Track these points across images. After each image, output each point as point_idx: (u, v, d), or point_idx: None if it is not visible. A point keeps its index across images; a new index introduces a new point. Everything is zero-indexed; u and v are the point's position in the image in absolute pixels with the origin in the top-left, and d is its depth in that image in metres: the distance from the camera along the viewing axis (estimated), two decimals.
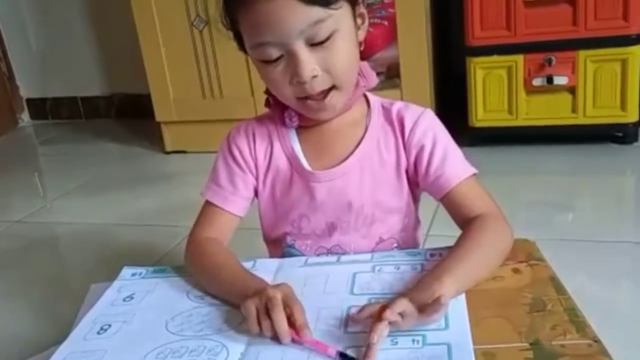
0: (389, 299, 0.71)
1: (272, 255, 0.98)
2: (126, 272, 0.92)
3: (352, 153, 0.89)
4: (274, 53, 0.79)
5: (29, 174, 2.59)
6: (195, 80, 2.32)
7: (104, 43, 3.01)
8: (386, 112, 0.91)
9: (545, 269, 0.80)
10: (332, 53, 0.80)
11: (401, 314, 0.66)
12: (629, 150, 1.97)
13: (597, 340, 0.65)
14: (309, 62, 0.79)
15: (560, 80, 1.92)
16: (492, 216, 0.84)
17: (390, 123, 0.90)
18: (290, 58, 0.79)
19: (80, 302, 0.89)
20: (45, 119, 3.25)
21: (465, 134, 2.05)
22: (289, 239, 0.94)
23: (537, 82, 1.94)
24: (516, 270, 0.80)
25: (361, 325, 0.69)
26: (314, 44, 0.79)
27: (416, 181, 0.91)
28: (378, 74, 2.02)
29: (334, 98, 0.83)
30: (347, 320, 0.72)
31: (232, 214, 0.92)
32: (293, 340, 0.68)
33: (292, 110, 0.89)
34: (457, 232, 0.85)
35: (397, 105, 0.92)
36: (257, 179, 0.93)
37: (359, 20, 0.85)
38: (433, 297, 0.68)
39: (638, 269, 1.36)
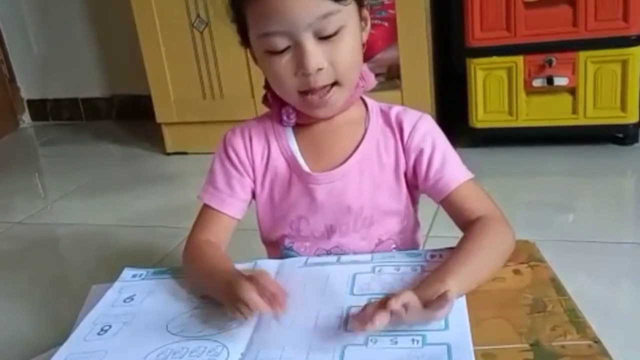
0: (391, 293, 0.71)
1: (270, 257, 0.98)
2: (127, 273, 0.92)
3: (351, 155, 0.89)
4: (281, 43, 0.79)
5: (29, 175, 2.59)
6: (196, 81, 2.33)
7: (105, 44, 3.01)
8: (384, 115, 0.92)
9: (545, 270, 0.80)
10: (339, 48, 0.80)
11: (405, 306, 0.66)
12: (629, 151, 1.97)
13: (597, 341, 0.65)
14: (316, 54, 0.79)
15: (560, 81, 1.92)
16: (494, 218, 0.84)
17: (389, 126, 0.90)
18: (297, 49, 0.79)
19: (80, 303, 0.89)
20: (46, 120, 3.26)
21: (466, 135, 2.06)
22: (287, 242, 0.93)
23: (538, 83, 1.94)
24: (517, 271, 0.80)
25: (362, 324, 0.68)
26: (322, 38, 0.79)
27: (415, 184, 0.91)
28: (378, 74, 2.05)
29: (335, 94, 0.83)
30: (347, 320, 0.72)
31: (230, 217, 0.92)
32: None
33: (290, 107, 0.88)
34: (458, 233, 0.85)
35: (396, 109, 0.92)
36: (254, 181, 0.93)
37: (362, 23, 0.85)
38: (438, 294, 0.68)
39: (638, 269, 1.36)
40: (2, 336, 1.35)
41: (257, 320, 0.75)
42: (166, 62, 2.33)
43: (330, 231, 0.91)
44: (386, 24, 2.06)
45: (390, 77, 2.10)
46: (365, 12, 0.86)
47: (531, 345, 0.65)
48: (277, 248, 0.96)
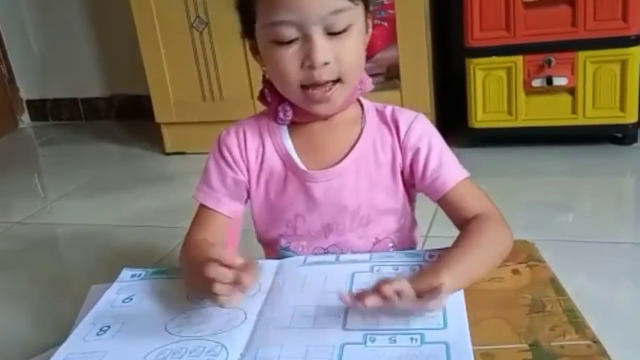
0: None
1: (268, 258, 0.98)
2: (126, 273, 0.92)
3: (348, 154, 0.90)
4: (290, 34, 0.80)
5: (29, 175, 2.59)
6: (196, 81, 2.33)
7: (104, 44, 3.01)
8: (380, 114, 0.92)
9: (544, 270, 0.81)
10: (346, 46, 0.81)
11: (398, 293, 0.67)
12: (629, 151, 1.97)
13: (596, 341, 0.65)
14: (324, 48, 0.80)
15: (560, 81, 1.92)
16: (492, 217, 0.85)
17: (386, 124, 0.91)
18: (305, 42, 0.80)
19: (80, 303, 0.89)
20: (46, 121, 3.25)
21: (465, 135, 2.06)
22: (284, 242, 0.93)
23: (537, 83, 1.94)
24: (516, 272, 0.80)
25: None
26: (331, 33, 0.80)
27: (412, 183, 0.91)
28: (378, 75, 2.06)
29: (337, 92, 0.84)
30: (346, 319, 0.72)
31: (226, 216, 0.92)
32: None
33: (287, 104, 0.88)
34: (457, 233, 0.85)
35: (390, 108, 0.93)
36: (249, 180, 0.93)
37: (365, 26, 0.86)
38: (432, 287, 0.68)
39: (638, 270, 1.36)
40: (1, 336, 1.35)
41: (257, 320, 0.75)
42: (166, 63, 2.33)
43: (327, 230, 0.91)
44: (386, 24, 2.06)
45: (389, 77, 2.10)
46: (370, 18, 0.87)
47: (530, 345, 0.65)
48: (274, 248, 0.96)
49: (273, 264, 0.89)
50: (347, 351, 0.67)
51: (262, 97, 0.92)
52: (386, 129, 0.91)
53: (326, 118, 0.89)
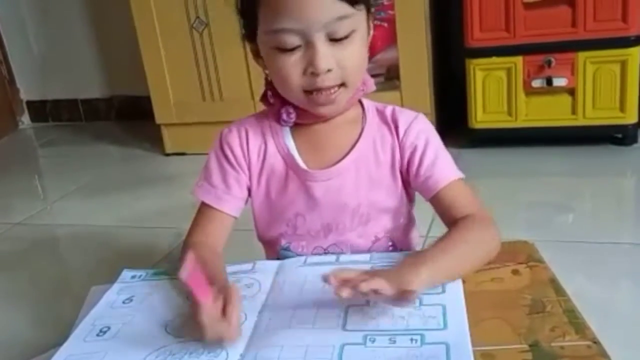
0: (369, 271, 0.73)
1: (268, 256, 0.98)
2: (126, 274, 0.92)
3: (348, 153, 0.90)
4: (293, 41, 0.80)
5: (29, 176, 2.59)
6: (195, 82, 2.33)
7: (104, 45, 3.01)
8: (380, 114, 0.93)
9: (544, 270, 0.81)
10: (348, 52, 0.81)
11: (374, 291, 0.67)
12: (629, 151, 1.97)
13: (596, 342, 0.65)
14: (327, 55, 0.80)
15: (559, 81, 1.92)
16: (482, 217, 0.85)
17: (386, 123, 0.92)
18: (308, 48, 0.80)
19: (80, 303, 0.89)
20: (46, 122, 3.26)
21: (465, 135, 2.06)
22: (284, 242, 0.94)
23: (537, 83, 1.94)
24: (515, 272, 0.80)
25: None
26: (333, 40, 0.80)
27: (409, 181, 0.92)
28: (378, 75, 2.06)
29: (340, 94, 0.84)
30: (346, 319, 0.72)
31: (227, 214, 0.92)
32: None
33: (290, 106, 0.89)
34: None
35: (390, 107, 0.93)
36: (250, 178, 0.93)
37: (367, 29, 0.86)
38: (406, 287, 0.69)
39: (637, 270, 1.36)
40: (2, 336, 1.35)
41: (256, 320, 0.75)
42: (166, 63, 2.33)
43: (326, 229, 0.91)
44: (386, 24, 2.06)
45: (389, 78, 2.10)
46: (371, 21, 0.87)
47: (530, 345, 0.65)
48: (273, 248, 0.96)
49: (273, 264, 0.89)
50: (347, 351, 0.67)
51: (265, 99, 0.92)
52: (386, 129, 0.91)
53: (328, 119, 0.89)
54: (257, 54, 0.88)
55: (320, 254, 0.91)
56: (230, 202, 0.92)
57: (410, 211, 0.97)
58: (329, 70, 0.81)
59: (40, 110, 3.26)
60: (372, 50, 2.01)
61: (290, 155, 0.91)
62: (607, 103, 1.92)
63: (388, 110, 0.92)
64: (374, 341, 0.68)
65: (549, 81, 1.92)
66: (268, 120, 0.93)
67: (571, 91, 1.94)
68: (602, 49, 1.87)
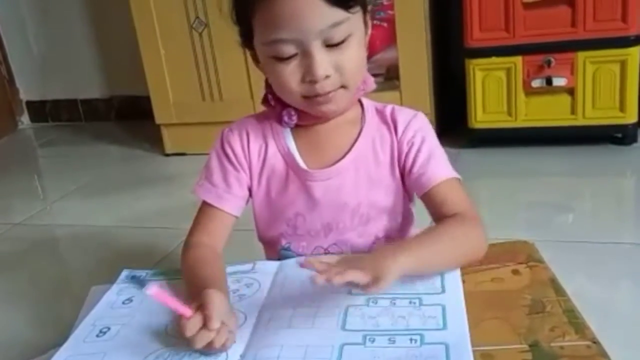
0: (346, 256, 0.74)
1: (268, 257, 0.98)
2: (125, 274, 0.92)
3: (347, 152, 0.90)
4: (289, 50, 0.80)
5: (28, 176, 2.59)
6: (195, 82, 2.33)
7: (104, 45, 3.01)
8: (380, 113, 0.93)
9: (544, 270, 0.81)
10: (346, 56, 0.81)
11: (349, 283, 0.68)
12: (628, 151, 1.97)
13: (596, 342, 0.65)
14: (324, 62, 0.80)
15: (559, 81, 1.92)
16: (471, 217, 0.85)
17: (385, 123, 0.92)
18: (305, 57, 0.80)
19: (80, 304, 0.89)
20: (45, 122, 3.25)
21: (465, 135, 2.06)
22: (284, 242, 0.94)
23: (536, 83, 1.94)
24: (515, 272, 0.80)
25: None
26: (329, 45, 0.80)
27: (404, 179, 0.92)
28: (377, 75, 2.05)
29: (340, 95, 0.84)
30: (345, 319, 0.72)
31: (227, 213, 0.92)
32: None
33: (292, 108, 0.89)
34: None
35: (390, 107, 0.93)
36: (251, 178, 0.93)
37: (365, 28, 0.86)
38: (382, 273, 0.68)
39: (637, 270, 1.35)
40: (1, 337, 1.35)
41: (256, 320, 0.75)
42: (165, 63, 2.33)
43: (327, 229, 0.91)
44: (385, 24, 2.06)
45: (389, 78, 2.11)
46: (368, 18, 0.87)
47: (530, 345, 0.65)
48: (274, 248, 0.96)
49: (273, 264, 0.89)
50: (346, 351, 0.67)
51: (266, 101, 0.92)
52: (385, 128, 0.91)
53: (328, 119, 0.89)
54: (256, 60, 0.88)
55: (320, 254, 0.91)
56: (231, 201, 0.92)
57: (411, 210, 0.97)
58: (327, 77, 0.81)
59: (40, 111, 3.26)
60: (372, 50, 2.03)
61: (290, 155, 0.91)
62: (607, 103, 1.92)
63: (388, 110, 0.93)
64: (373, 341, 0.68)
65: (549, 81, 1.92)
66: (269, 120, 0.93)
67: (571, 91, 1.94)
68: (602, 48, 1.87)
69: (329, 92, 0.83)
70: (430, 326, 0.69)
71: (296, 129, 0.92)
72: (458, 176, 0.90)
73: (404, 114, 0.92)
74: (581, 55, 1.89)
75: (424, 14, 2.02)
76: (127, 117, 3.01)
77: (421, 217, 1.00)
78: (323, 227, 0.91)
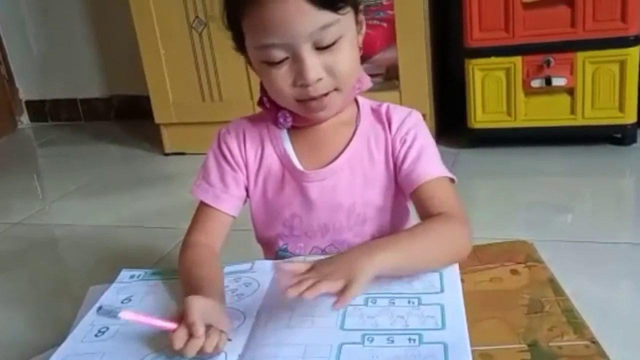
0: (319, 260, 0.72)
1: (266, 258, 0.98)
2: (124, 274, 0.92)
3: (342, 152, 0.90)
4: (280, 55, 0.80)
5: (28, 176, 2.59)
6: (195, 82, 2.33)
7: (104, 45, 3.01)
8: (375, 113, 0.93)
9: (543, 270, 0.81)
10: (337, 57, 0.81)
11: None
12: (628, 151, 1.97)
13: (594, 341, 0.65)
14: (315, 65, 0.80)
15: (558, 81, 1.92)
16: (456, 217, 0.83)
17: (380, 122, 0.91)
18: (295, 61, 0.80)
19: (79, 304, 0.88)
20: (45, 121, 3.26)
21: (464, 135, 2.06)
22: (281, 243, 0.94)
23: (536, 83, 1.94)
24: (514, 272, 0.80)
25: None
26: (320, 48, 0.79)
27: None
28: (377, 75, 2.06)
29: (334, 97, 0.84)
30: (344, 319, 0.72)
31: (225, 213, 0.92)
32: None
33: (287, 110, 0.89)
34: None
35: (385, 105, 0.93)
36: (247, 177, 0.93)
37: (357, 27, 0.86)
38: (351, 278, 0.67)
39: (637, 270, 1.36)
40: (0, 337, 1.35)
41: (255, 320, 0.75)
42: (165, 63, 2.33)
43: (323, 229, 0.91)
44: (385, 24, 2.06)
45: (388, 78, 2.10)
46: (361, 17, 0.86)
47: (529, 345, 0.65)
48: (271, 249, 0.96)
49: (271, 263, 0.89)
50: (345, 351, 0.67)
51: (261, 104, 0.92)
52: (380, 127, 0.91)
53: (326, 119, 0.89)
54: (251, 63, 0.88)
55: (318, 254, 0.91)
56: (228, 201, 0.92)
57: (407, 208, 0.96)
58: (319, 80, 0.80)
59: (40, 110, 3.26)
60: (372, 50, 2.04)
61: (286, 156, 0.91)
62: (606, 103, 1.92)
63: (383, 108, 0.92)
64: (372, 340, 0.68)
65: (548, 81, 1.92)
66: (265, 121, 0.93)
67: (570, 91, 1.94)
68: (601, 48, 1.87)
69: (323, 95, 0.82)
70: (429, 326, 0.69)
71: (292, 130, 0.92)
72: (450, 175, 0.89)
73: (398, 112, 0.92)
74: (580, 56, 1.89)
75: (423, 14, 2.02)
76: (127, 117, 3.01)
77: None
78: (320, 228, 0.91)
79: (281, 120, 0.90)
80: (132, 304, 0.83)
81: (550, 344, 0.65)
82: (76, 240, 1.86)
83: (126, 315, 0.71)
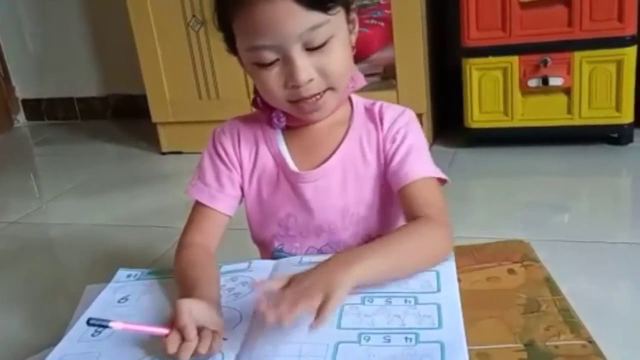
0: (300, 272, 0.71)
1: (262, 258, 0.98)
2: (121, 273, 0.92)
3: (334, 152, 0.90)
4: (270, 57, 0.80)
5: (24, 174, 2.58)
6: (191, 80, 2.32)
7: (100, 44, 3.00)
8: (368, 112, 0.92)
9: (539, 269, 0.81)
10: (328, 58, 0.80)
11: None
12: (624, 151, 1.97)
13: (591, 341, 0.65)
14: (306, 66, 0.79)
15: (555, 81, 1.92)
16: (437, 221, 0.82)
17: (373, 121, 0.91)
18: (286, 62, 0.80)
19: (75, 303, 0.88)
20: (41, 120, 3.25)
21: (461, 134, 2.06)
22: (277, 243, 0.94)
23: (533, 83, 1.94)
24: (511, 271, 0.80)
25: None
26: (311, 49, 0.79)
27: None
28: (374, 74, 2.05)
29: (327, 98, 0.84)
30: (340, 318, 0.72)
31: (220, 213, 0.92)
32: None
33: (281, 111, 0.89)
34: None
35: (379, 104, 0.93)
36: (242, 177, 0.93)
37: (350, 26, 0.85)
38: (329, 292, 0.66)
39: (634, 269, 1.36)
40: None
41: (251, 320, 0.75)
42: (162, 62, 2.33)
43: (318, 230, 0.91)
44: (382, 23, 2.06)
45: (385, 77, 2.10)
46: (353, 15, 0.86)
47: (525, 345, 0.65)
48: (267, 249, 0.96)
49: (268, 263, 0.89)
50: (341, 350, 0.67)
51: (255, 104, 0.92)
52: (372, 126, 0.91)
53: (321, 120, 0.89)
54: (243, 65, 0.88)
55: (314, 255, 0.91)
56: (224, 201, 0.92)
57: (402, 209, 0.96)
58: (310, 80, 0.80)
59: (36, 109, 3.25)
60: (369, 50, 2.03)
61: (281, 156, 0.91)
62: (603, 103, 1.92)
63: (376, 107, 0.92)
64: (368, 340, 0.68)
65: (545, 81, 1.92)
66: (259, 122, 0.93)
67: (567, 91, 1.94)
68: (598, 48, 1.87)
69: (315, 95, 0.82)
70: (426, 325, 0.69)
71: (286, 130, 0.92)
72: (440, 176, 0.88)
73: (391, 111, 0.91)
74: (577, 55, 1.89)
75: (420, 13, 2.02)
76: (124, 116, 3.01)
77: None
78: (315, 228, 0.91)
79: (275, 120, 0.90)
80: (128, 304, 0.83)
81: (547, 343, 0.65)
82: (73, 239, 1.85)
83: (117, 325, 0.71)
